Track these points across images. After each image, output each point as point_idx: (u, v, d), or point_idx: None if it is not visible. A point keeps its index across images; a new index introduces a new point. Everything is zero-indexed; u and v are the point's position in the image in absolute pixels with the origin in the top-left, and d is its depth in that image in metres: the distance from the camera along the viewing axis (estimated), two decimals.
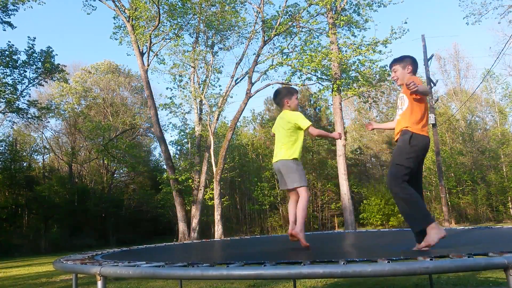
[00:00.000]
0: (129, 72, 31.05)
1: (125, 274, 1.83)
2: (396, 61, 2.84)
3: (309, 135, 3.04)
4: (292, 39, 17.79)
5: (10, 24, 17.10)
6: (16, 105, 18.02)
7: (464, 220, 23.79)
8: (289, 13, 17.06)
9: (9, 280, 8.28)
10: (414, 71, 2.82)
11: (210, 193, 18.80)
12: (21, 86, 18.21)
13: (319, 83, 17.51)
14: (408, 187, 2.48)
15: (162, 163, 30.47)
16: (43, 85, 20.16)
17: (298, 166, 2.92)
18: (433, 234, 2.38)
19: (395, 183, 2.49)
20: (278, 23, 16.85)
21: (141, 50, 18.40)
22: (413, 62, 2.81)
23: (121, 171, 30.82)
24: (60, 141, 29.48)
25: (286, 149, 2.94)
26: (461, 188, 24.24)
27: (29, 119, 19.04)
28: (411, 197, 2.45)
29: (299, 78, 17.73)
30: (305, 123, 2.93)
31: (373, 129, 3.11)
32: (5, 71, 17.47)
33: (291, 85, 19.28)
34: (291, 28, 17.18)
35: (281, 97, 3.08)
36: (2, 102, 17.67)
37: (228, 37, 19.65)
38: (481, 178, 24.79)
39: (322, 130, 3.07)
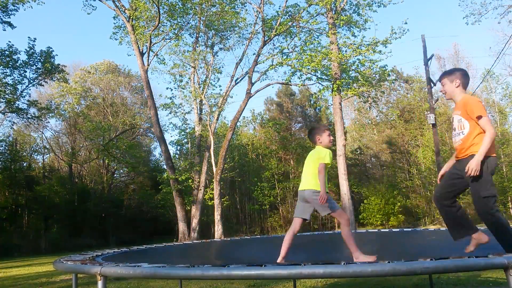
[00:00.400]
0: (129, 72, 31.05)
1: (125, 274, 1.83)
2: (444, 74, 2.79)
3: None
4: (292, 39, 17.80)
5: (10, 24, 17.10)
6: (16, 105, 18.02)
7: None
8: (289, 13, 17.06)
9: (9, 280, 8.29)
10: (464, 85, 2.74)
11: (210, 193, 18.80)
12: (21, 86, 18.24)
13: (319, 83, 17.51)
14: (500, 215, 2.51)
15: (162, 163, 30.49)
16: (43, 85, 20.18)
17: (327, 194, 2.95)
18: None
19: (491, 217, 2.50)
20: (278, 23, 16.85)
21: (141, 50, 18.40)
22: (462, 75, 2.74)
23: (121, 171, 30.83)
24: (60, 141, 29.49)
25: (314, 179, 2.99)
26: None
27: (29, 119, 19.05)
28: (502, 224, 2.48)
29: (299, 78, 17.74)
30: (324, 159, 2.99)
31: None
32: (5, 71, 17.49)
33: (291, 85, 19.29)
34: (291, 28, 17.17)
35: (313, 134, 3.20)
36: (2, 102, 17.68)
37: (228, 37, 19.66)
38: None
39: (324, 179, 2.95)
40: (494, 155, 2.60)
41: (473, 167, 2.50)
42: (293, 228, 3.01)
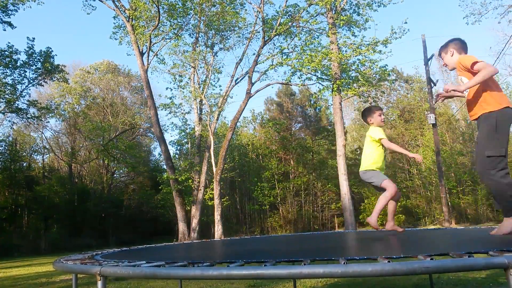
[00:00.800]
0: (129, 72, 31.07)
1: (125, 274, 1.82)
2: (440, 49, 2.87)
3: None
4: (292, 39, 17.80)
5: (10, 24, 17.11)
6: (16, 105, 18.04)
7: (464, 220, 23.79)
8: (289, 13, 17.07)
9: (9, 280, 8.28)
10: (459, 50, 2.75)
11: (210, 193, 18.80)
12: (21, 86, 18.25)
13: (319, 83, 17.52)
14: (505, 178, 2.32)
15: (162, 163, 30.49)
16: (43, 85, 20.19)
17: (374, 171, 3.16)
18: (507, 224, 2.33)
19: (492, 178, 2.35)
20: (278, 23, 16.85)
21: (141, 50, 18.40)
22: (456, 43, 2.79)
23: (121, 171, 30.84)
24: (60, 141, 29.51)
25: (365, 160, 3.22)
26: (461, 188, 24.24)
27: (29, 119, 19.06)
28: (504, 187, 2.32)
29: (299, 78, 17.75)
30: (376, 135, 3.16)
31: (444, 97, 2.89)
32: (5, 71, 17.50)
33: (291, 85, 19.28)
34: (291, 28, 17.18)
35: (365, 116, 3.36)
36: (2, 102, 17.69)
37: (228, 37, 19.66)
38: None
39: (396, 145, 3.24)
40: (505, 106, 2.40)
41: (448, 86, 2.54)
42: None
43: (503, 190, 2.34)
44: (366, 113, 3.35)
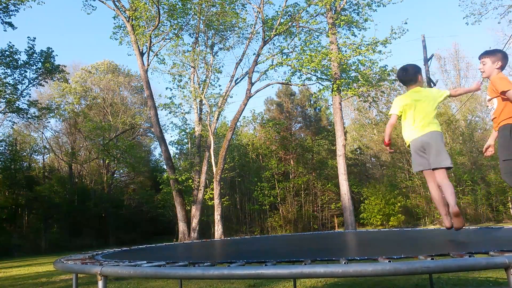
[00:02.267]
0: (129, 72, 31.06)
1: (126, 274, 1.83)
2: (486, 53, 2.81)
3: (452, 97, 3.19)
4: (292, 39, 17.80)
5: (11, 25, 17.11)
6: (17, 105, 18.04)
7: (464, 220, 23.77)
8: (289, 13, 17.07)
9: (9, 280, 8.28)
10: (503, 67, 2.79)
11: (210, 193, 18.80)
12: (22, 86, 18.26)
13: (319, 83, 17.53)
14: None
15: (162, 163, 30.49)
16: (43, 85, 20.19)
17: (444, 141, 2.91)
18: None
19: (509, 178, 2.54)
20: (278, 23, 16.85)
21: (141, 50, 18.40)
22: (503, 58, 2.77)
23: (121, 171, 30.83)
24: (60, 141, 29.51)
25: (435, 122, 2.87)
26: (461, 188, 24.22)
27: (29, 119, 19.06)
28: None
29: (299, 78, 17.76)
30: (447, 92, 2.98)
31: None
32: (5, 71, 17.52)
33: (291, 85, 19.28)
34: (291, 28, 17.18)
35: (415, 73, 3.03)
36: (3, 102, 17.70)
37: (228, 37, 19.67)
38: (481, 178, 24.77)
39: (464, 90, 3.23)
40: None
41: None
42: (434, 180, 2.88)
43: None
44: (416, 70, 3.02)
